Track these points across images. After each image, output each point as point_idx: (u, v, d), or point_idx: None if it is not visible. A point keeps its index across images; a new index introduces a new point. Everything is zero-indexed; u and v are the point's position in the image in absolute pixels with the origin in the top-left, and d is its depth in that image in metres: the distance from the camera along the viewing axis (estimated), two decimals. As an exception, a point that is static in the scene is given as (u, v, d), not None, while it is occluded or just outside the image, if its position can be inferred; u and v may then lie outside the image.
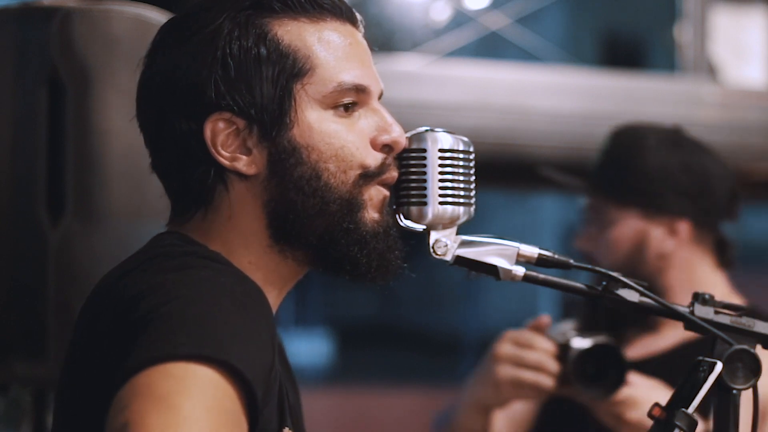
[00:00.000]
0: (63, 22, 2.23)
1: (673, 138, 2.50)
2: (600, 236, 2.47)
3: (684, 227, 2.45)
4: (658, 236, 2.45)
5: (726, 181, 2.48)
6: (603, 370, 2.21)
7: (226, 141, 1.47)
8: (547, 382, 2.24)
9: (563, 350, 2.24)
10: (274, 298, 1.50)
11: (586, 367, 2.21)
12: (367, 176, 1.49)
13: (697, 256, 2.46)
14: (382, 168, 1.50)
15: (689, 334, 2.42)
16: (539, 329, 2.28)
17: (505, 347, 2.27)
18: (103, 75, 2.23)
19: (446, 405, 2.51)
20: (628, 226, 2.44)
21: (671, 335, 2.45)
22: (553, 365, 2.23)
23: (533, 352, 2.25)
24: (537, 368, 2.24)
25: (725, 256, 2.50)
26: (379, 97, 1.54)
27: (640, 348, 2.44)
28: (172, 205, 1.53)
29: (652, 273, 2.45)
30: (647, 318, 2.45)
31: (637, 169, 2.44)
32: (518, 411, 2.48)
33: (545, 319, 2.29)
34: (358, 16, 1.55)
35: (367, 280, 1.50)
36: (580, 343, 2.23)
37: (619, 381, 2.20)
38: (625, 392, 2.22)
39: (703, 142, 2.53)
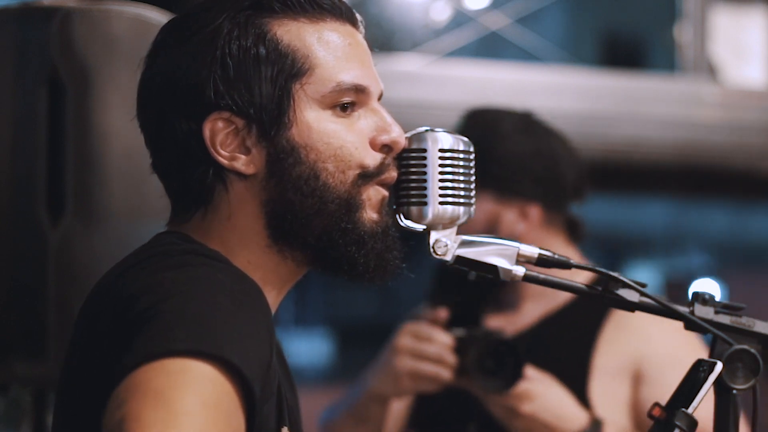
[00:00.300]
0: (63, 22, 2.23)
1: (526, 123, 2.53)
2: None
3: (534, 211, 2.48)
4: (511, 219, 2.47)
5: (574, 166, 2.53)
6: (501, 364, 2.28)
7: (225, 140, 1.47)
8: (445, 374, 2.31)
9: (462, 343, 2.31)
10: (273, 298, 1.50)
11: (485, 361, 2.28)
12: (366, 176, 1.49)
13: (548, 237, 2.50)
14: (381, 168, 1.50)
15: (550, 307, 2.48)
16: (438, 323, 2.35)
17: (405, 340, 2.34)
18: (103, 75, 2.23)
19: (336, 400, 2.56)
20: (482, 209, 2.45)
21: (531, 310, 2.50)
22: (452, 358, 2.31)
23: (432, 345, 2.32)
24: (436, 361, 2.32)
25: (576, 233, 2.56)
26: (379, 98, 1.54)
27: (503, 326, 2.48)
28: (172, 205, 1.53)
29: None
30: (503, 295, 2.51)
31: (492, 154, 2.45)
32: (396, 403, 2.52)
33: (443, 313, 2.36)
34: (358, 17, 1.55)
35: (366, 280, 1.50)
36: (480, 337, 2.31)
37: (517, 375, 2.27)
38: (520, 386, 2.29)
39: (554, 127, 2.57)
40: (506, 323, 2.49)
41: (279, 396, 1.46)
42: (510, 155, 2.47)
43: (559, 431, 2.31)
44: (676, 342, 2.37)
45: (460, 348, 2.32)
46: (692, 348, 2.35)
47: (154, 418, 1.18)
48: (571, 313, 2.48)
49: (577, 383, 2.38)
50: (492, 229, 2.47)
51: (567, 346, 2.46)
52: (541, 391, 2.31)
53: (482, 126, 2.49)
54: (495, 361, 2.28)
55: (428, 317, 2.38)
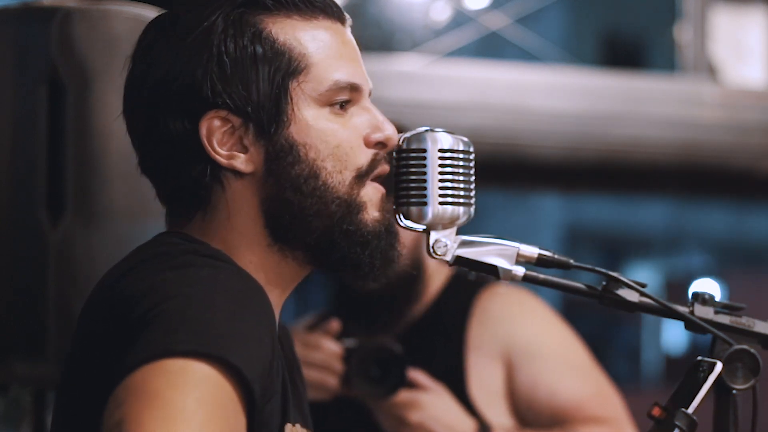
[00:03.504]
0: (63, 22, 2.23)
1: None
2: None
3: None
4: None
5: None
6: (385, 371, 2.33)
7: (222, 139, 1.47)
8: (331, 381, 2.36)
9: (350, 353, 2.36)
10: (276, 298, 1.49)
11: (368, 368, 2.33)
12: (361, 176, 1.49)
13: None
14: (374, 164, 1.50)
15: (421, 305, 2.47)
16: (329, 333, 2.39)
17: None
18: (103, 75, 2.23)
19: None
20: None
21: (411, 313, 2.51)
22: (339, 366, 2.36)
23: (319, 353, 2.36)
24: (322, 368, 2.35)
25: None
26: (369, 96, 1.54)
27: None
28: (167, 208, 1.52)
29: None
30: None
31: None
32: None
33: (335, 323, 2.40)
34: (347, 16, 1.55)
35: (370, 278, 1.50)
36: (363, 344, 2.35)
37: (399, 382, 2.32)
38: (407, 394, 2.33)
39: None
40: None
41: (283, 392, 1.46)
42: None
43: None
44: (542, 327, 2.45)
45: (348, 357, 2.36)
46: (558, 332, 2.43)
47: (153, 418, 1.18)
48: (438, 309, 2.50)
49: (455, 380, 2.41)
50: None
51: (439, 344, 2.48)
52: (428, 400, 2.34)
53: None
54: (379, 368, 2.32)
55: (321, 327, 2.41)
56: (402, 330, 2.48)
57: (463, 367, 2.44)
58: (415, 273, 2.43)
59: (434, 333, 2.48)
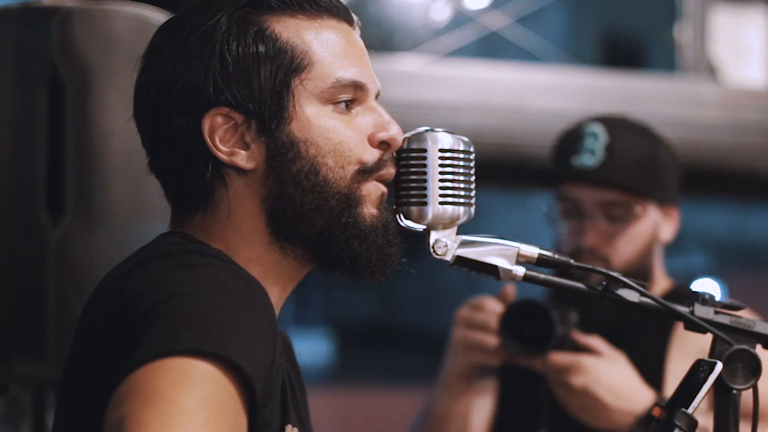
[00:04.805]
0: (63, 22, 2.23)
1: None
2: (613, 231, 2.44)
3: (676, 214, 2.49)
4: (668, 227, 2.48)
5: None
6: (536, 329, 2.23)
7: (224, 136, 1.47)
8: (490, 340, 2.27)
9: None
10: (276, 297, 1.50)
11: (518, 325, 2.24)
12: (365, 172, 1.49)
13: None
14: (380, 164, 1.50)
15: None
16: (502, 298, 2.32)
17: (463, 311, 2.34)
18: (103, 75, 2.23)
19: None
20: (651, 219, 2.45)
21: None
22: (496, 325, 2.27)
23: (482, 313, 2.30)
24: (483, 328, 2.29)
25: None
26: (376, 97, 1.54)
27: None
28: (172, 207, 1.53)
29: (651, 262, 2.50)
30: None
31: (654, 161, 2.44)
32: (485, 404, 2.47)
33: (510, 288, 2.32)
34: (355, 17, 1.55)
35: (367, 275, 1.50)
36: (515, 301, 2.27)
37: (547, 338, 2.21)
38: (570, 357, 2.23)
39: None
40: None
41: (283, 393, 1.46)
42: (665, 161, 2.47)
43: (617, 409, 2.21)
44: None
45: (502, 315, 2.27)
46: None
47: (154, 417, 1.18)
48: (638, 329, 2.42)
49: (654, 383, 2.30)
50: (653, 239, 2.46)
51: (642, 347, 2.38)
52: (595, 364, 2.22)
53: (634, 134, 2.48)
54: (530, 326, 2.23)
55: (500, 294, 2.34)
56: (610, 330, 2.39)
57: (663, 371, 2.36)
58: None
59: (637, 337, 2.41)
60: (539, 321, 2.23)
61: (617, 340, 2.34)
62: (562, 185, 2.48)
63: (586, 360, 2.22)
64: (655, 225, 2.46)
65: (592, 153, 2.44)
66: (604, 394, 2.20)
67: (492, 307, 2.30)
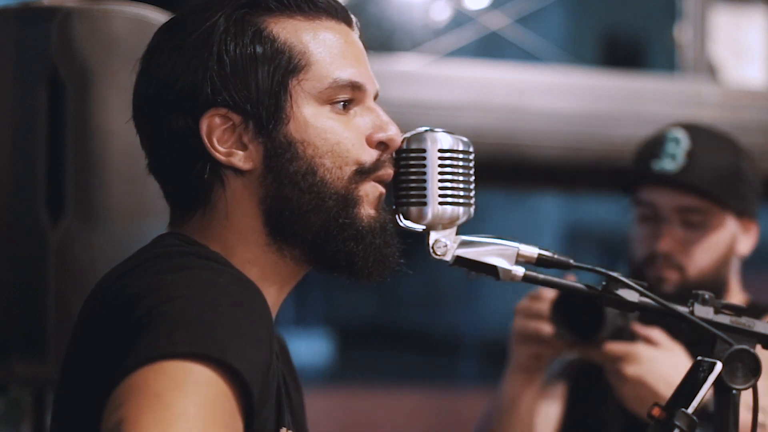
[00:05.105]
0: (63, 22, 2.23)
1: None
2: (690, 238, 2.42)
3: (755, 228, 2.47)
4: (746, 239, 2.47)
5: None
6: (587, 316, 2.19)
7: (222, 136, 1.48)
8: (545, 329, 2.25)
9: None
10: (274, 298, 1.50)
11: (568, 313, 2.21)
12: (363, 172, 1.49)
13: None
14: (378, 165, 1.50)
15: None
16: None
17: (522, 302, 2.31)
18: (103, 75, 2.23)
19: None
20: (729, 230, 2.43)
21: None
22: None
23: (539, 303, 2.27)
24: (539, 316, 2.26)
25: None
26: (375, 98, 1.54)
27: None
28: (171, 207, 1.53)
29: (727, 275, 2.48)
30: None
31: (735, 172, 2.42)
32: (552, 410, 2.45)
33: (572, 279, 2.28)
34: (353, 18, 1.56)
35: (364, 276, 1.50)
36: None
37: (598, 325, 2.18)
38: (624, 346, 2.20)
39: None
40: None
41: (278, 397, 1.46)
42: (747, 173, 2.46)
43: None
44: None
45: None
46: None
47: (152, 420, 1.18)
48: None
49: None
50: (731, 250, 2.44)
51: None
52: (650, 354, 2.19)
53: (720, 143, 2.46)
54: (581, 314, 2.20)
55: None
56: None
57: None
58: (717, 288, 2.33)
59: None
60: (590, 309, 2.19)
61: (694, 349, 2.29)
62: (640, 189, 2.46)
63: (641, 349, 2.19)
64: (733, 236, 2.44)
65: (673, 158, 2.42)
66: (659, 384, 2.16)
67: (548, 296, 2.26)
